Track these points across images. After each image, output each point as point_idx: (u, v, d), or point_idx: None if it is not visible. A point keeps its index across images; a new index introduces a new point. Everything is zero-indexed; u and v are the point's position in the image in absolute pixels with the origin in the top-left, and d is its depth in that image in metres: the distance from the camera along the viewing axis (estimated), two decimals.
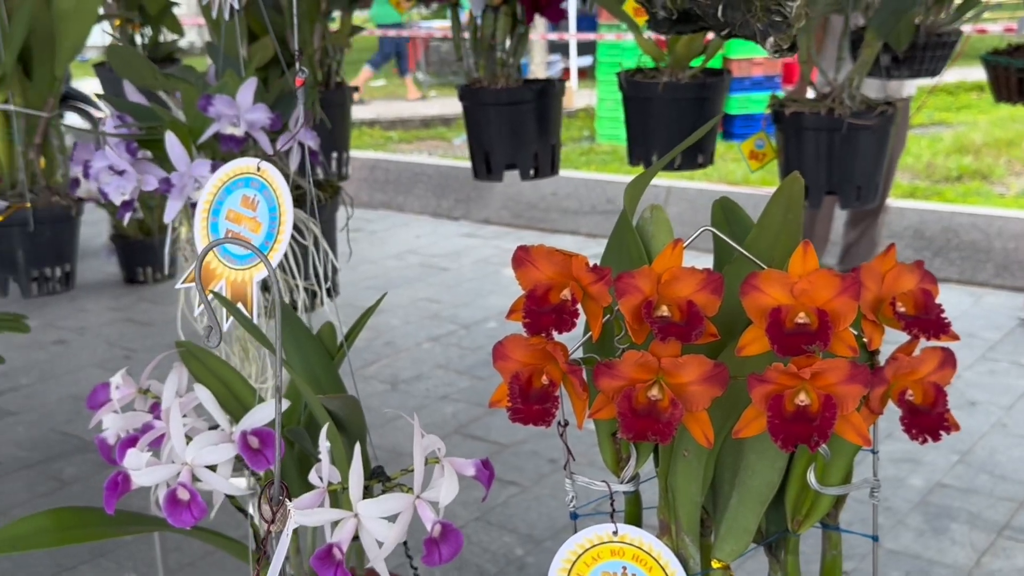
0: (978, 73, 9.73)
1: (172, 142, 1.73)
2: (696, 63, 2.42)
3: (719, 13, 1.60)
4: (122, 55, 2.16)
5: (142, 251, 5.56)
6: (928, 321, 1.04)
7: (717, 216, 1.20)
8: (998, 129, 8.35)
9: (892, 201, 5.42)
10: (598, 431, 1.19)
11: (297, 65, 1.34)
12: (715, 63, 2.43)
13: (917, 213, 5.71)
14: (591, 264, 1.05)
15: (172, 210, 1.78)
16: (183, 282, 1.39)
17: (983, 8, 2.85)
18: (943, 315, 1.04)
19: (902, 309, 1.04)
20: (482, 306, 5.20)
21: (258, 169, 1.35)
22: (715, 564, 1.19)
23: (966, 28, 2.95)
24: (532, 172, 2.46)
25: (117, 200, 1.84)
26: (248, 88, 1.79)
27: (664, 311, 1.02)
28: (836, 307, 1.00)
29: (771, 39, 1.47)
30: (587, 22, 10.05)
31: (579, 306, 1.05)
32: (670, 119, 2.35)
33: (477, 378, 4.34)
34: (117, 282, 5.64)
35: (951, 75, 6.24)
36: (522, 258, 1.07)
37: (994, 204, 6.39)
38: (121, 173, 1.82)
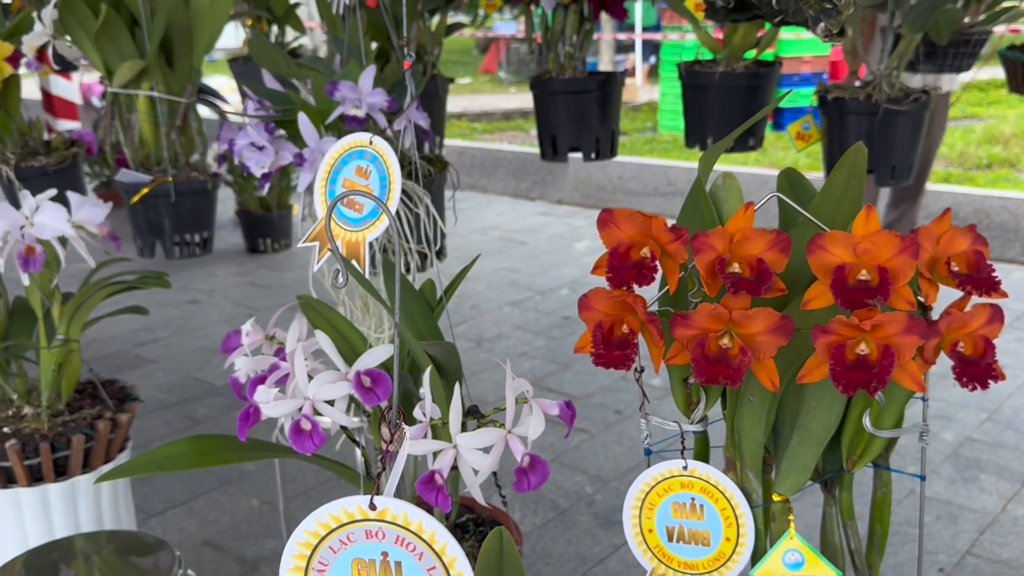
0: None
1: (304, 122, 1.74)
2: (749, 55, 2.36)
3: (773, 2, 1.56)
4: (261, 46, 2.17)
5: (262, 224, 5.62)
6: (980, 279, 0.99)
7: (783, 184, 1.17)
8: (1021, 122, 8.10)
9: (930, 186, 5.29)
10: (671, 377, 1.17)
11: (406, 50, 1.33)
12: (767, 56, 2.36)
13: (952, 196, 5.56)
14: (669, 225, 1.02)
15: (305, 181, 1.79)
16: (305, 241, 1.39)
17: (1015, 12, 2.74)
18: (994, 274, 1.00)
19: (956, 268, 1.00)
20: (556, 275, 5.18)
21: (370, 143, 1.34)
22: (776, 498, 1.16)
23: (999, 29, 2.84)
24: (593, 155, 2.42)
25: (257, 172, 1.85)
26: (368, 75, 1.78)
27: (736, 268, 0.99)
28: (895, 265, 0.96)
29: (822, 24, 1.42)
30: (654, 24, 9.92)
31: (657, 263, 1.02)
32: (724, 106, 2.30)
33: (551, 338, 4.32)
34: (241, 251, 5.72)
35: (983, 73, 6.05)
36: (606, 219, 1.04)
37: (1021, 189, 6.20)
38: (261, 149, 1.84)
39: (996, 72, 9.49)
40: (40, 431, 2.07)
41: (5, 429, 2.07)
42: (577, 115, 2.36)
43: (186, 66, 2.41)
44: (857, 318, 0.96)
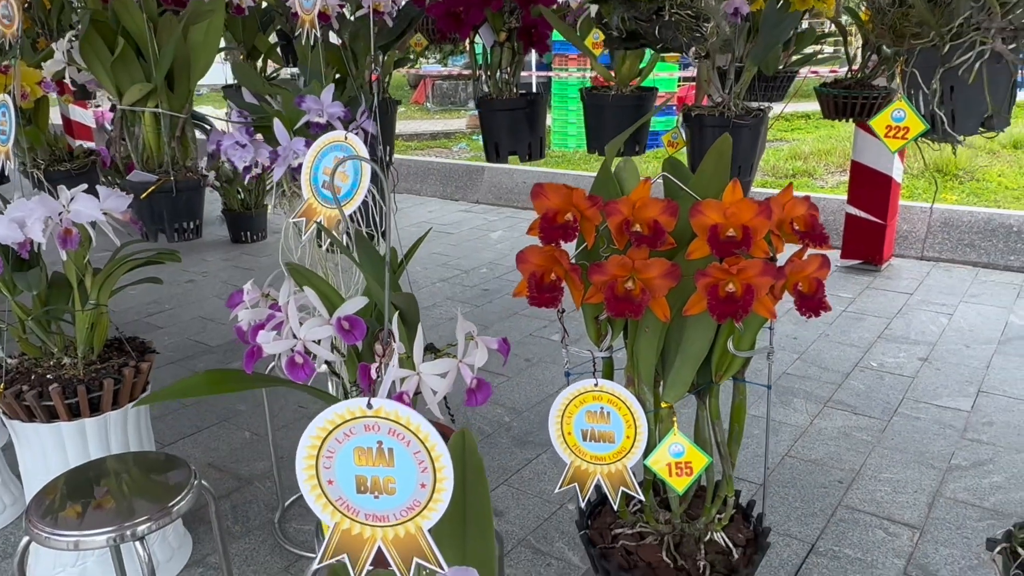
0: (805, 106, 9.72)
1: (279, 126, 1.68)
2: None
3: (656, 32, 1.56)
4: (244, 70, 2.10)
5: (243, 220, 5.47)
6: (814, 235, 1.02)
7: (667, 168, 1.18)
8: (819, 143, 8.38)
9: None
10: (585, 316, 1.17)
11: (373, 66, 1.30)
12: (648, 84, 2.38)
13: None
14: (587, 195, 1.02)
15: (278, 173, 1.74)
16: (295, 216, 1.34)
17: (816, 58, 2.86)
18: (824, 231, 1.03)
19: (797, 227, 1.03)
20: (476, 258, 5.16)
21: (345, 138, 1.31)
22: (663, 405, 1.18)
23: (803, 71, 2.95)
24: (528, 156, 2.41)
25: (240, 166, 1.79)
26: (328, 91, 1.74)
27: (638, 227, 1.00)
28: (755, 224, 0.98)
29: (693, 48, 1.44)
30: (544, 66, 9.91)
31: (577, 224, 1.02)
32: (617, 120, 2.31)
33: (475, 306, 4.31)
34: (226, 242, 5.55)
35: (789, 108, 6.26)
36: (538, 192, 1.04)
37: (818, 191, 6.41)
38: (244, 147, 1.77)
39: (798, 107, 9.76)
40: (77, 376, 1.97)
41: (48, 376, 1.97)
42: (513, 127, 2.35)
43: (184, 89, 2.32)
44: (727, 264, 0.98)
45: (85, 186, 1.88)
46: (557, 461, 2.81)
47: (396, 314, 1.20)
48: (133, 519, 1.56)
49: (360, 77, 2.69)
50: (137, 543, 1.55)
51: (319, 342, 1.25)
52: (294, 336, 1.24)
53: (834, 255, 4.84)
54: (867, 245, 4.58)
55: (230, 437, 3.03)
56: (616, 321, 1.16)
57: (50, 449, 2.00)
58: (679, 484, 1.14)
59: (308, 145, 1.74)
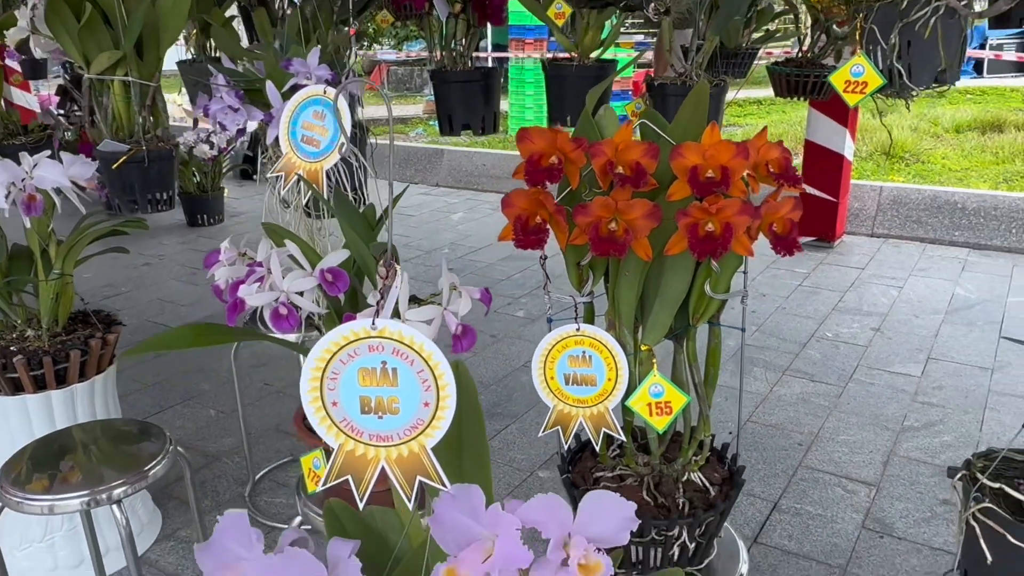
0: (757, 92, 9.89)
1: (271, 88, 1.67)
2: (596, 54, 2.41)
3: None
4: (222, 36, 2.08)
5: (200, 203, 5.38)
6: (788, 176, 1.06)
7: (646, 116, 1.21)
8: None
9: None
10: (567, 262, 1.20)
11: (351, 20, 1.30)
12: (608, 56, 2.41)
13: None
14: (571, 138, 1.05)
15: (272, 135, 1.73)
16: (273, 172, 1.34)
17: (776, 35, 2.92)
18: (797, 173, 1.07)
19: (772, 169, 1.07)
20: (437, 239, 5.16)
21: (324, 92, 1.31)
22: (643, 348, 1.21)
23: (762, 52, 3.02)
24: (481, 130, 2.42)
25: (232, 129, 1.77)
26: (315, 53, 1.73)
27: (621, 169, 1.02)
28: (732, 165, 1.02)
29: (652, 5, 1.48)
30: (500, 47, 9.89)
31: (562, 166, 1.05)
32: (578, 90, 2.33)
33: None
34: (183, 225, 5.45)
35: (741, 94, 6.37)
36: (523, 135, 1.06)
37: None
38: (236, 110, 1.76)
39: (751, 93, 9.93)
40: (42, 348, 1.94)
41: (12, 348, 1.93)
42: (467, 99, 2.35)
43: (154, 56, 2.28)
44: (707, 204, 1.01)
45: (49, 152, 1.85)
46: (525, 431, 2.84)
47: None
48: (108, 483, 1.55)
49: (326, 46, 2.67)
50: (114, 506, 1.54)
51: (302, 294, 1.26)
52: (277, 288, 1.24)
53: None
54: (820, 223, 4.70)
55: (195, 415, 3.00)
56: (597, 267, 1.19)
57: (15, 422, 1.96)
58: (659, 423, 1.18)
59: None
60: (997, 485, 1.10)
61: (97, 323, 2.07)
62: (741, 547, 1.33)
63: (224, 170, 5.48)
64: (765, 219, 1.07)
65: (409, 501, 0.79)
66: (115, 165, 2.19)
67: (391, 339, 0.75)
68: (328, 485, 0.78)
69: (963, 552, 1.15)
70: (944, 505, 2.41)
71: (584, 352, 1.19)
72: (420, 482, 0.78)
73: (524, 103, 7.96)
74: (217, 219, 5.44)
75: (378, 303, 0.76)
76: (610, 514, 0.76)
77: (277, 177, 1.34)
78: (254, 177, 6.67)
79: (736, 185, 1.02)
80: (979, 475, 1.12)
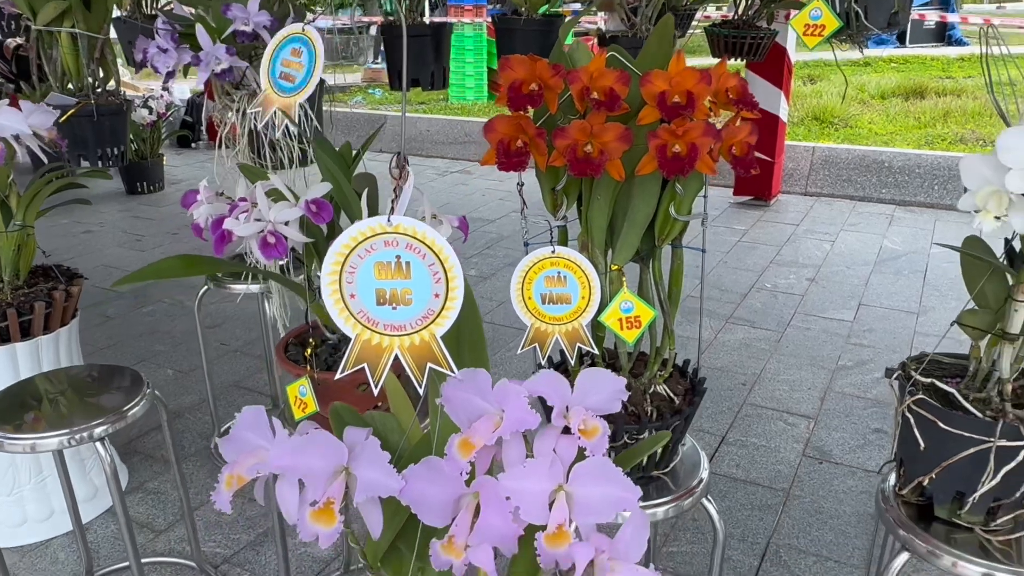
0: (693, 61, 10.05)
1: (201, 31, 1.69)
2: (543, 10, 2.47)
3: None
4: None
5: (139, 171, 5.27)
6: (746, 101, 1.16)
7: (613, 49, 1.29)
8: None
9: None
10: (543, 189, 1.28)
11: None
12: (556, 11, 2.49)
13: None
14: (550, 65, 1.12)
15: (202, 78, 1.75)
16: (252, 108, 1.39)
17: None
18: (755, 98, 1.17)
19: (731, 95, 1.16)
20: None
21: (303, 29, 1.36)
22: (613, 268, 1.31)
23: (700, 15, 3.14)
24: (431, 84, 2.47)
25: (163, 70, 1.78)
26: (254, 1, 1.75)
27: (596, 94, 1.11)
28: (697, 91, 1.11)
29: None
30: (440, 9, 9.82)
31: (542, 93, 1.13)
32: (527, 44, 2.40)
33: None
34: (121, 193, 5.34)
35: None
36: (505, 64, 1.13)
37: None
38: (166, 51, 1.77)
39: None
40: (5, 301, 1.93)
41: None
42: (417, 54, 2.40)
43: (102, 7, 2.26)
44: (675, 126, 1.11)
45: (7, 100, 1.84)
46: (496, 364, 2.93)
47: (365, 192, 1.28)
48: (89, 422, 1.59)
49: None
50: (98, 444, 1.57)
51: (287, 225, 1.31)
52: (265, 219, 1.29)
53: (727, 192, 5.14)
54: (757, 182, 4.89)
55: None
56: (570, 192, 1.27)
57: None
58: (630, 336, 1.28)
59: (230, 52, 1.76)
60: (928, 381, 1.24)
61: (59, 276, 2.07)
62: (703, 456, 1.45)
63: (163, 136, 5.38)
64: (725, 142, 1.17)
65: (420, 387, 0.87)
66: (63, 119, 2.18)
67: (405, 234, 0.82)
68: (345, 373, 0.85)
69: (899, 443, 1.28)
70: (876, 433, 2.60)
71: (559, 272, 1.28)
72: (429, 369, 0.86)
73: (464, 71, 7.97)
74: (157, 186, 5.35)
75: (392, 201, 0.83)
76: (603, 386, 0.85)
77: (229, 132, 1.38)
78: (193, 144, 6.54)
79: (701, 109, 1.12)
80: (913, 373, 1.26)
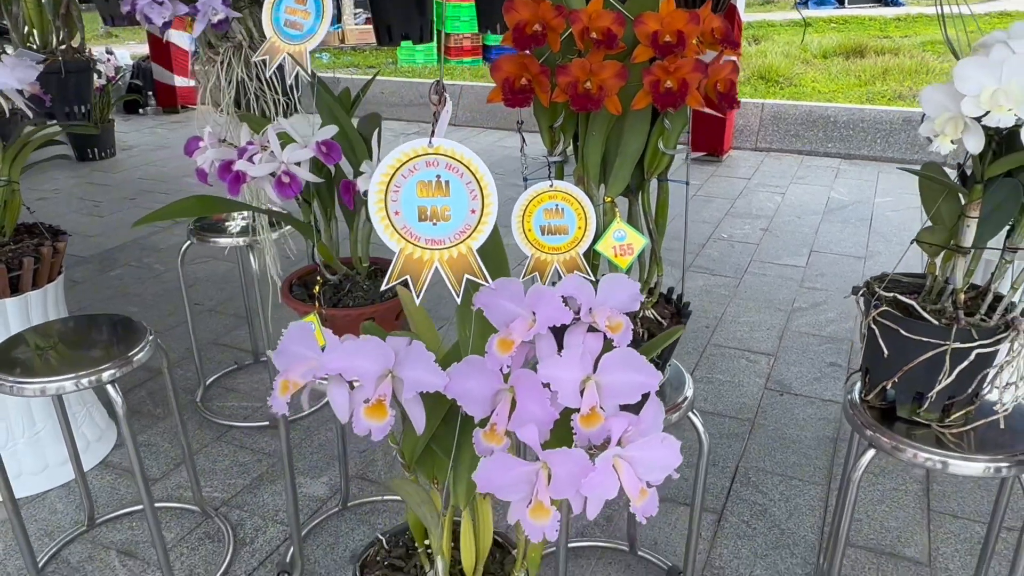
0: None
1: None
2: None
3: None
4: None
5: (89, 136, 5.18)
6: (729, 41, 1.27)
7: None
8: None
9: None
10: (540, 127, 1.37)
11: None
12: None
13: None
14: (552, 6, 1.21)
15: (198, 29, 1.78)
16: (259, 56, 1.44)
17: None
18: (738, 39, 1.28)
19: (716, 35, 1.27)
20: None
21: None
22: (607, 199, 1.41)
23: None
24: (420, 39, 2.53)
25: (159, 22, 1.81)
26: None
27: (595, 34, 1.20)
28: (686, 30, 1.21)
29: None
30: None
31: (545, 32, 1.21)
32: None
33: None
34: (72, 161, 5.25)
35: None
36: (509, 6, 1.21)
37: None
38: (161, 3, 1.80)
39: None
40: None
41: None
42: (404, 10, 2.44)
43: None
44: (667, 63, 1.21)
45: None
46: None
47: (376, 132, 1.35)
48: (97, 367, 1.64)
49: None
50: (110, 386, 1.63)
51: (299, 165, 1.38)
52: (278, 159, 1.36)
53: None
54: (710, 138, 5.04)
55: None
56: (567, 129, 1.37)
57: None
58: (623, 263, 1.39)
59: (226, 2, 1.80)
60: (891, 295, 1.38)
61: (44, 232, 2.10)
62: (687, 377, 1.58)
63: (113, 101, 5.28)
64: (711, 79, 1.28)
65: (457, 297, 0.97)
66: None
67: (445, 155, 0.91)
68: (391, 284, 0.94)
69: (865, 354, 1.43)
70: (831, 367, 2.79)
71: (557, 205, 1.38)
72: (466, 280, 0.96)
73: None
74: (109, 152, 5.26)
75: (433, 124, 0.92)
76: (623, 289, 0.96)
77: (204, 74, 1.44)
78: (141, 110, 6.42)
79: (691, 48, 1.22)
80: (877, 289, 1.40)
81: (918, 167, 1.32)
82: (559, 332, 0.97)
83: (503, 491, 0.86)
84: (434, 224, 0.93)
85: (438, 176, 0.92)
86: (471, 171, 0.92)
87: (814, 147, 5.22)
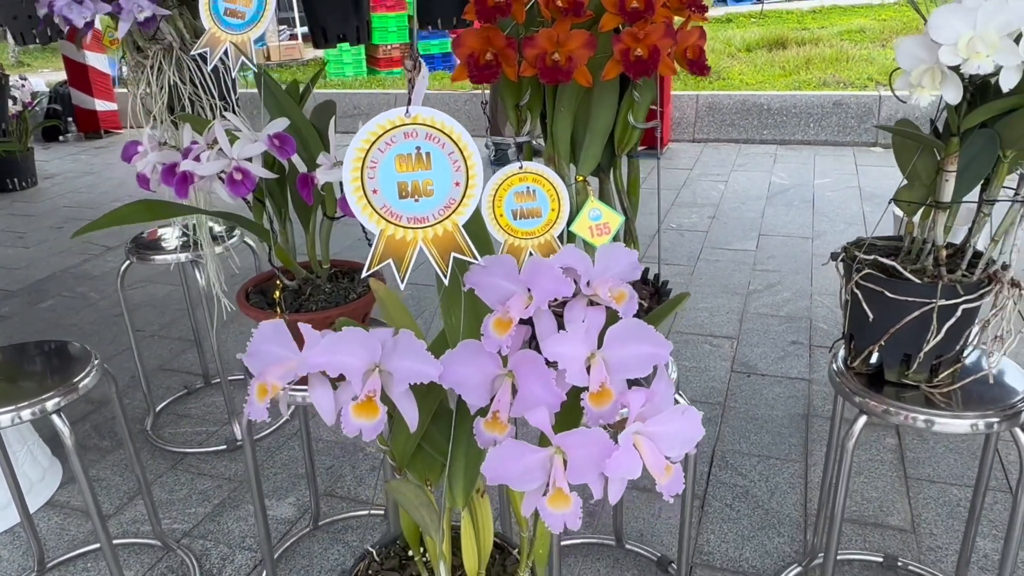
0: None
1: None
2: None
3: None
4: None
5: (8, 166, 4.91)
6: (696, 5, 1.23)
7: None
8: None
9: None
10: (506, 106, 1.31)
11: None
12: None
13: None
14: None
15: (123, 29, 1.67)
16: (198, 48, 1.34)
17: None
18: (703, 3, 1.24)
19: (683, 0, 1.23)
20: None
21: None
22: (578, 178, 1.36)
23: None
24: (356, 39, 2.44)
25: (80, 23, 1.68)
26: None
27: (560, 2, 1.15)
28: None
29: None
30: None
31: (511, 3, 1.15)
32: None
33: None
34: None
35: None
36: None
37: None
38: (80, 2, 1.68)
39: None
40: None
41: None
42: (339, 8, 2.36)
43: None
44: (636, 29, 1.16)
45: None
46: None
47: (332, 119, 1.27)
48: (40, 396, 1.51)
49: None
50: (56, 416, 1.51)
51: (251, 161, 1.29)
52: (228, 156, 1.27)
53: None
54: (648, 132, 5.05)
55: None
56: (533, 108, 1.31)
57: None
58: (600, 243, 1.34)
59: (153, 0, 1.69)
60: (872, 258, 1.36)
61: None
62: (671, 359, 1.53)
63: (30, 128, 5.03)
64: (680, 45, 1.23)
65: (445, 278, 0.90)
66: None
67: (424, 124, 0.84)
68: (372, 270, 0.87)
69: (848, 320, 1.41)
70: (793, 345, 2.79)
71: (528, 187, 1.31)
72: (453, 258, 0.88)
73: (342, 46, 7.81)
74: (30, 182, 5.01)
75: (409, 92, 0.85)
76: (621, 259, 0.91)
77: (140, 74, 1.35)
78: (61, 137, 6.14)
79: (660, 13, 1.18)
80: (857, 253, 1.38)
81: (850, 148, 1.31)
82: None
83: (516, 481, 0.79)
84: (416, 200, 0.86)
85: (418, 148, 0.85)
86: (453, 140, 0.85)
87: (750, 135, 5.29)
